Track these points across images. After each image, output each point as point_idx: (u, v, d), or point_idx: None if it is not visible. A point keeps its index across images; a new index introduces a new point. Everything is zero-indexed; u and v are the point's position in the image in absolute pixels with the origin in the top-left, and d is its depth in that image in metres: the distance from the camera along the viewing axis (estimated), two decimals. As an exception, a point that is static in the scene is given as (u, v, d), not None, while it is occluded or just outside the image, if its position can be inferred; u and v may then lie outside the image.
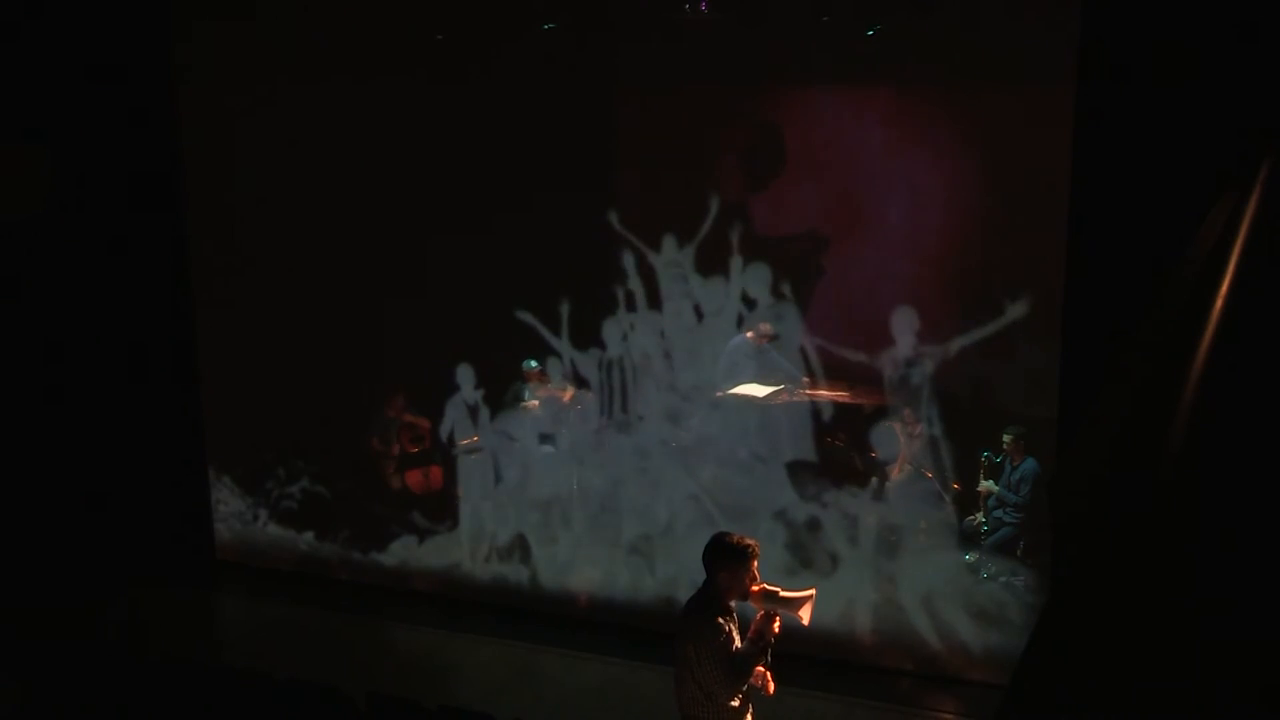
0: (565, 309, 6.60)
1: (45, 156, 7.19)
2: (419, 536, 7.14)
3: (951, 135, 5.61)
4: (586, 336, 6.59)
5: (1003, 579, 5.79)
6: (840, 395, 6.08)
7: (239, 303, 7.39)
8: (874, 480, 6.00)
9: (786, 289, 6.05)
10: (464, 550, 7.02)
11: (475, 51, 6.44)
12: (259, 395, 7.34)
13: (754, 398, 6.20)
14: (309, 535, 7.45)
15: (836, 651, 5.99)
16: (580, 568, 6.75)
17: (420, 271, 6.79)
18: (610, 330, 6.51)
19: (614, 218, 6.34)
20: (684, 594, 4.51)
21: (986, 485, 5.83)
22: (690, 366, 6.38)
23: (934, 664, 5.89)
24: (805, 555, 6.12)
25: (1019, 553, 5.78)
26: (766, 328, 6.12)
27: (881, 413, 5.96)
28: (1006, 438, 5.72)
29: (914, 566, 5.92)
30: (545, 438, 6.80)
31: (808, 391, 6.11)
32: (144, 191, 7.33)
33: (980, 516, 5.86)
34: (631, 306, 6.44)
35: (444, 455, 7.09)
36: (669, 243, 6.30)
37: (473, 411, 6.96)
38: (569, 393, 6.66)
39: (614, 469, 6.60)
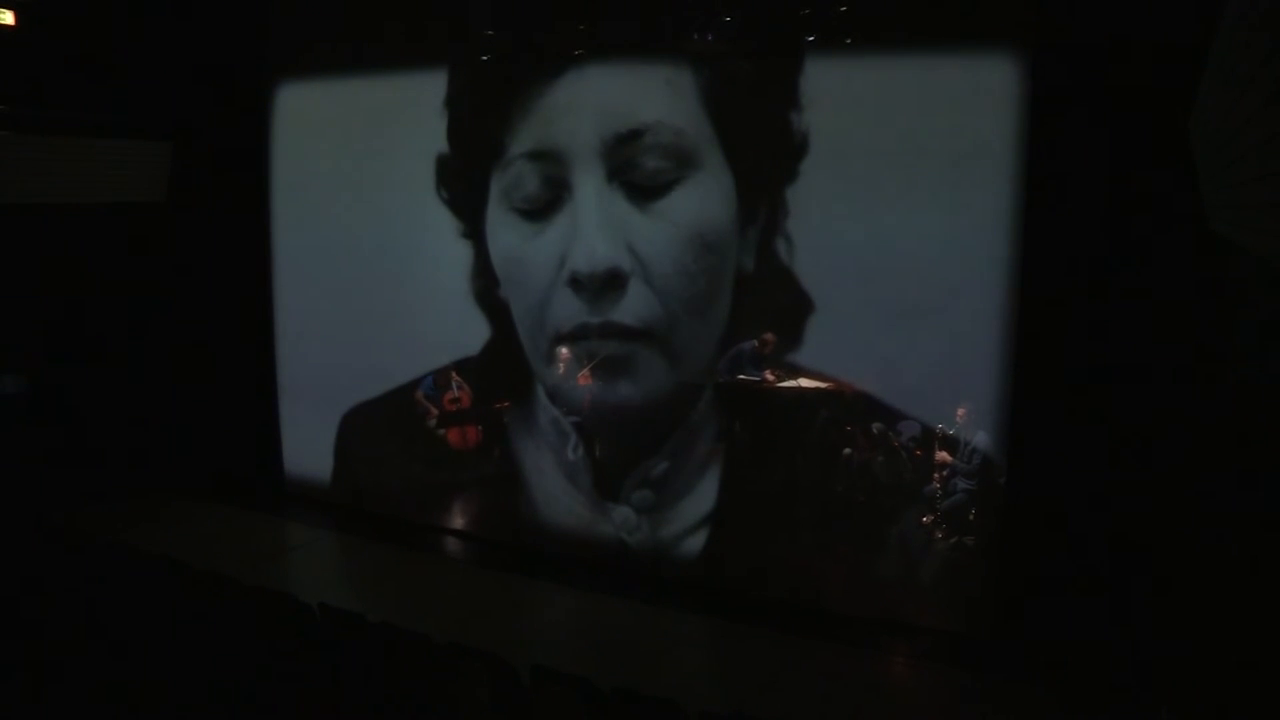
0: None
1: (168, 152, 8.60)
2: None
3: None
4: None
5: (954, 539, 6.50)
6: (824, 385, 6.84)
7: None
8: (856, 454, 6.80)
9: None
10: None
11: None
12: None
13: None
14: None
15: (808, 599, 6.88)
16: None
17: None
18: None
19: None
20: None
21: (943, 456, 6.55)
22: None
23: (894, 611, 6.65)
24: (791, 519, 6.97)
25: (970, 516, 6.48)
26: (770, 337, 6.96)
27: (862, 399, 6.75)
28: (960, 412, 6.43)
29: (882, 527, 6.70)
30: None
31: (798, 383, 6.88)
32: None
33: (937, 484, 6.58)
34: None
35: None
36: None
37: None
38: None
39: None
